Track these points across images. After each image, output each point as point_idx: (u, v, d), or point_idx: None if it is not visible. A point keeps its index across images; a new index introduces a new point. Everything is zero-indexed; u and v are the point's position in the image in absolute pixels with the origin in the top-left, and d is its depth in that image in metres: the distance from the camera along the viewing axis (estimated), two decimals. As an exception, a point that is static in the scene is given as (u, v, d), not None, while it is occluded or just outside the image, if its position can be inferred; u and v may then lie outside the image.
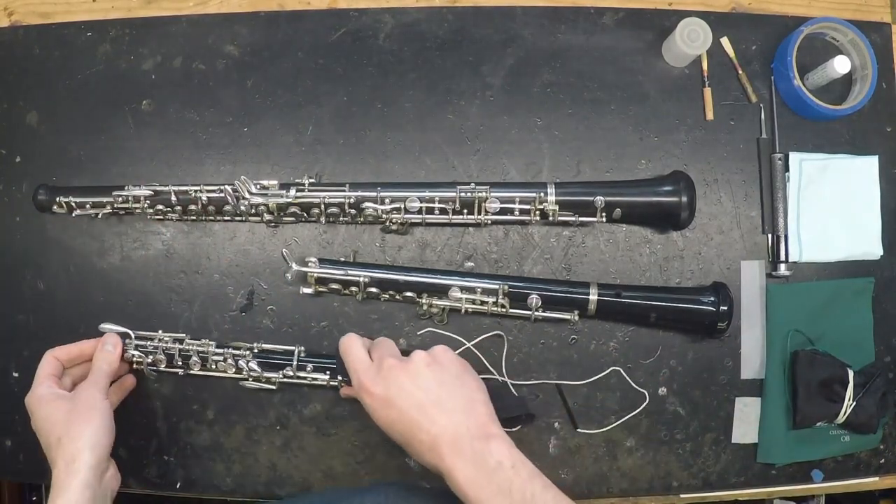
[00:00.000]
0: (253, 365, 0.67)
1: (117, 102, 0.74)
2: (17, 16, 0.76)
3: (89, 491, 0.53)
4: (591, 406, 0.70)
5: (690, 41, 0.70)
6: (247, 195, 0.67)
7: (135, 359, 0.67)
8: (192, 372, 0.68)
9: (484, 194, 0.67)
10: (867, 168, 0.73)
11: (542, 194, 0.67)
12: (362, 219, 0.69)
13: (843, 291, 0.72)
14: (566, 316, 0.67)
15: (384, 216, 0.68)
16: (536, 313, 0.67)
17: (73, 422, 0.56)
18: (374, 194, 0.67)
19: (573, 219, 0.68)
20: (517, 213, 0.68)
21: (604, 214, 0.68)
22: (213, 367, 0.68)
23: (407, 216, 0.68)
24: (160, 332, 0.69)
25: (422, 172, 0.72)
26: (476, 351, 0.70)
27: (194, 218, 0.71)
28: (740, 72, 0.74)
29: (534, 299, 0.66)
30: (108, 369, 0.62)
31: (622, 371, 0.70)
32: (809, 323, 0.70)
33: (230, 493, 0.71)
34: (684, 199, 0.67)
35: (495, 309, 0.67)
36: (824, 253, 0.72)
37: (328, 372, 0.67)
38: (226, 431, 0.71)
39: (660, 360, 0.71)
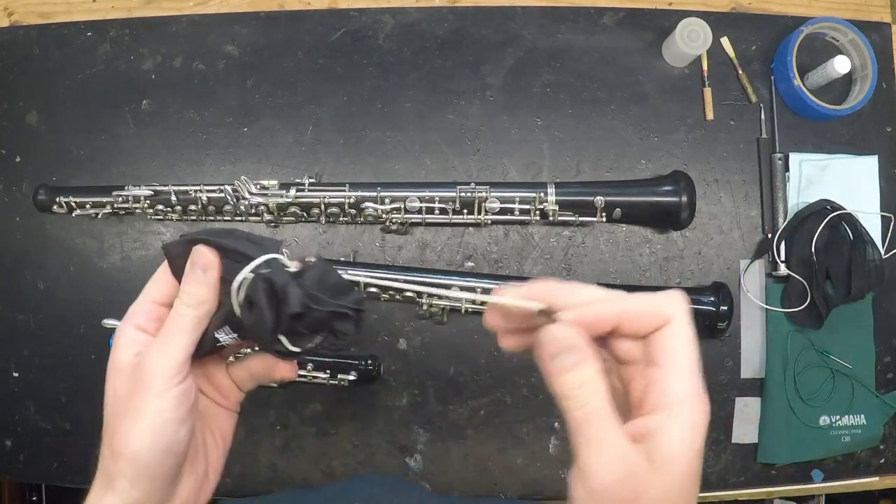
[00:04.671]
0: (253, 365, 0.67)
1: (117, 102, 0.74)
2: (17, 16, 0.76)
3: None
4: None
5: (690, 41, 0.70)
6: (247, 195, 0.67)
7: None
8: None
9: (484, 194, 0.67)
10: (867, 168, 0.73)
11: (542, 194, 0.67)
12: (362, 219, 0.69)
13: (843, 291, 0.72)
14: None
15: (384, 216, 0.68)
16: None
17: (123, 412, 0.33)
18: (374, 194, 0.67)
19: (573, 219, 0.68)
20: (517, 213, 0.68)
21: (604, 214, 0.68)
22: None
23: (407, 216, 0.68)
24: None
25: (422, 172, 0.72)
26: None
27: (194, 218, 0.71)
28: (740, 72, 0.74)
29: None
30: (192, 315, 0.34)
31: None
32: (809, 323, 0.71)
33: (230, 493, 0.71)
34: (684, 199, 0.67)
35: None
36: (824, 253, 0.72)
37: (328, 371, 0.67)
38: (226, 431, 0.70)
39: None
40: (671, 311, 0.30)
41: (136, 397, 0.33)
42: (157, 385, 0.33)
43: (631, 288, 0.69)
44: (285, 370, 0.40)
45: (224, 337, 0.34)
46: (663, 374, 0.29)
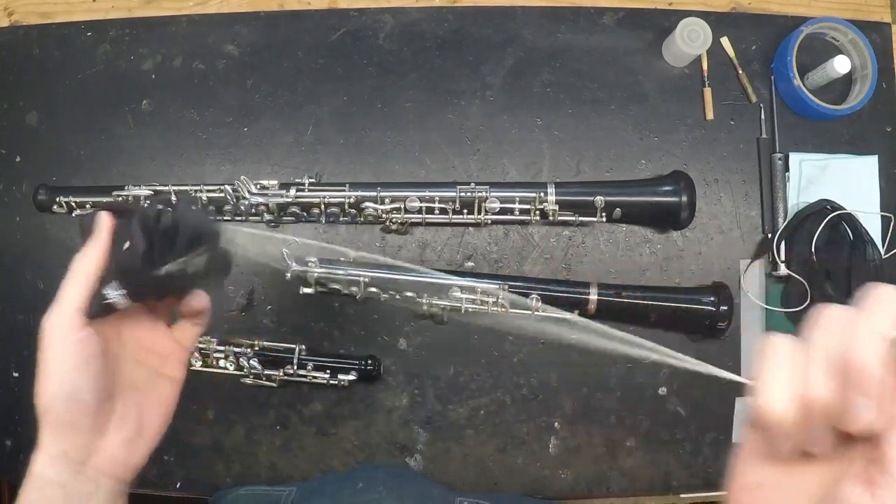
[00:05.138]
0: (254, 362, 0.67)
1: (117, 102, 0.74)
2: (17, 16, 0.76)
3: (49, 490, 0.36)
4: (590, 406, 0.70)
5: (690, 41, 0.70)
6: (247, 195, 0.67)
7: None
8: (193, 368, 0.68)
9: (484, 194, 0.67)
10: (867, 168, 0.73)
11: (542, 194, 0.67)
12: (362, 219, 0.69)
13: (843, 291, 0.72)
14: (566, 316, 0.67)
15: (384, 216, 0.68)
16: (536, 313, 0.67)
17: (37, 373, 0.36)
18: (374, 194, 0.67)
19: (573, 219, 0.68)
20: (517, 213, 0.68)
21: (604, 214, 0.68)
22: (214, 363, 0.68)
23: (407, 216, 0.68)
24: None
25: (422, 172, 0.72)
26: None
27: (194, 218, 0.71)
28: (740, 72, 0.74)
29: (534, 299, 0.66)
30: (77, 270, 0.38)
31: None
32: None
33: (230, 493, 0.71)
34: (684, 198, 0.67)
35: (495, 309, 0.67)
36: (824, 253, 0.72)
37: (328, 371, 0.67)
38: (226, 431, 0.70)
39: (660, 359, 0.71)
40: None
41: (41, 353, 0.36)
42: (54, 337, 0.36)
43: (632, 287, 0.69)
44: (196, 301, 0.43)
45: (112, 293, 0.37)
46: None
